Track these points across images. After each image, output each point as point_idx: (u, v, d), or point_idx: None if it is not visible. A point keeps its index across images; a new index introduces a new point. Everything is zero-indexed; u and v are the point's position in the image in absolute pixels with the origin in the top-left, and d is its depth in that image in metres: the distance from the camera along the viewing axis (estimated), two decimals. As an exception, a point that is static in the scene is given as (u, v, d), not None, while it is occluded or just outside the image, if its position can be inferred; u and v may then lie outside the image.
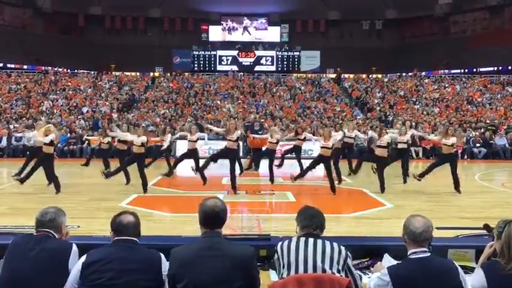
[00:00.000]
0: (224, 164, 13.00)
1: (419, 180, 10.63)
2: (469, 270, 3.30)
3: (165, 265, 2.98)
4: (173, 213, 8.46)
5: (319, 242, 3.12)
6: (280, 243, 3.20)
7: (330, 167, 10.51)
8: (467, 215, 8.14)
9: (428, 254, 2.84)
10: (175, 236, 5.07)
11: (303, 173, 10.82)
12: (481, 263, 3.01)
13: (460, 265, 2.92)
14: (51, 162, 10.19)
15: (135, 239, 3.03)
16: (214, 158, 11.26)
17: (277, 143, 12.49)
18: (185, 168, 13.34)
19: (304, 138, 13.04)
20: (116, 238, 3.02)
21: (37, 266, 2.97)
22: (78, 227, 6.62)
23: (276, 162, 12.84)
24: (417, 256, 2.83)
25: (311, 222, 3.22)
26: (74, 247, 3.11)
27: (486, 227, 3.82)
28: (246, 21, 40.04)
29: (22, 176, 10.39)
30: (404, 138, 11.66)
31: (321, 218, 3.29)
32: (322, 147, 10.39)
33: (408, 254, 2.88)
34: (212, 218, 3.05)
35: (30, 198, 9.49)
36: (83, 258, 2.93)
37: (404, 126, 12.44)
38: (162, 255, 3.02)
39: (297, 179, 10.54)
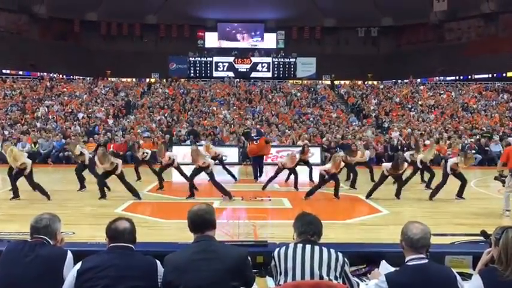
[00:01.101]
0: (220, 171, 12.98)
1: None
2: (466, 277, 3.30)
3: (161, 272, 2.97)
4: (169, 219, 8.41)
5: (317, 248, 3.11)
6: (277, 250, 3.19)
7: (337, 178, 10.56)
8: (463, 222, 8.14)
9: (426, 261, 2.83)
10: (171, 242, 5.03)
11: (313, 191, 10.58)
12: (479, 269, 3.00)
13: (457, 272, 2.91)
14: (29, 173, 10.11)
15: (130, 245, 3.01)
16: (191, 180, 10.77)
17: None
18: (180, 176, 13.29)
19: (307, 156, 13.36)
20: (111, 245, 3.00)
21: (31, 272, 2.94)
22: (73, 233, 6.57)
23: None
24: (415, 263, 2.82)
25: (308, 228, 3.21)
26: (69, 254, 3.08)
27: (483, 233, 3.82)
28: (242, 28, 40.16)
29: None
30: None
31: (318, 224, 3.28)
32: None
33: (406, 260, 2.87)
34: (197, 221, 3.11)
35: (25, 205, 9.43)
36: (78, 265, 2.91)
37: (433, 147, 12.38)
38: (158, 262, 3.00)
39: (307, 198, 10.38)
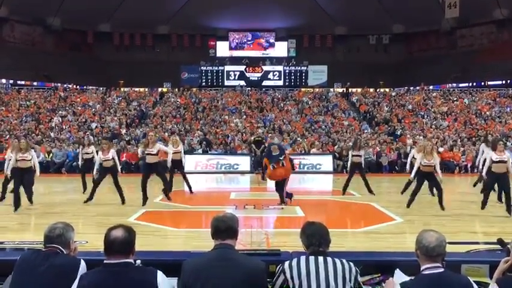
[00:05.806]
0: (233, 179, 12.99)
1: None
2: (483, 286, 3.24)
3: (163, 284, 2.81)
4: (182, 228, 8.41)
5: (329, 260, 3.06)
6: (287, 263, 3.11)
7: (437, 182, 10.21)
8: (479, 229, 8.03)
9: (442, 270, 2.78)
10: (183, 251, 5.02)
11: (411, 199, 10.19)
12: (496, 278, 2.94)
13: (474, 281, 2.86)
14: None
15: (126, 260, 2.83)
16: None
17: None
18: (195, 184, 13.32)
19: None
20: (104, 262, 2.86)
21: (45, 282, 2.93)
22: (87, 242, 6.59)
23: None
24: (431, 272, 2.77)
25: (314, 239, 3.16)
26: (82, 263, 3.07)
27: (500, 241, 3.75)
28: (253, 37, 40.35)
29: None
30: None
31: (324, 233, 3.22)
32: (425, 166, 10.07)
33: (421, 269, 2.82)
34: (221, 227, 3.10)
35: (39, 214, 9.50)
36: (75, 285, 2.81)
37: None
38: (159, 273, 2.84)
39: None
